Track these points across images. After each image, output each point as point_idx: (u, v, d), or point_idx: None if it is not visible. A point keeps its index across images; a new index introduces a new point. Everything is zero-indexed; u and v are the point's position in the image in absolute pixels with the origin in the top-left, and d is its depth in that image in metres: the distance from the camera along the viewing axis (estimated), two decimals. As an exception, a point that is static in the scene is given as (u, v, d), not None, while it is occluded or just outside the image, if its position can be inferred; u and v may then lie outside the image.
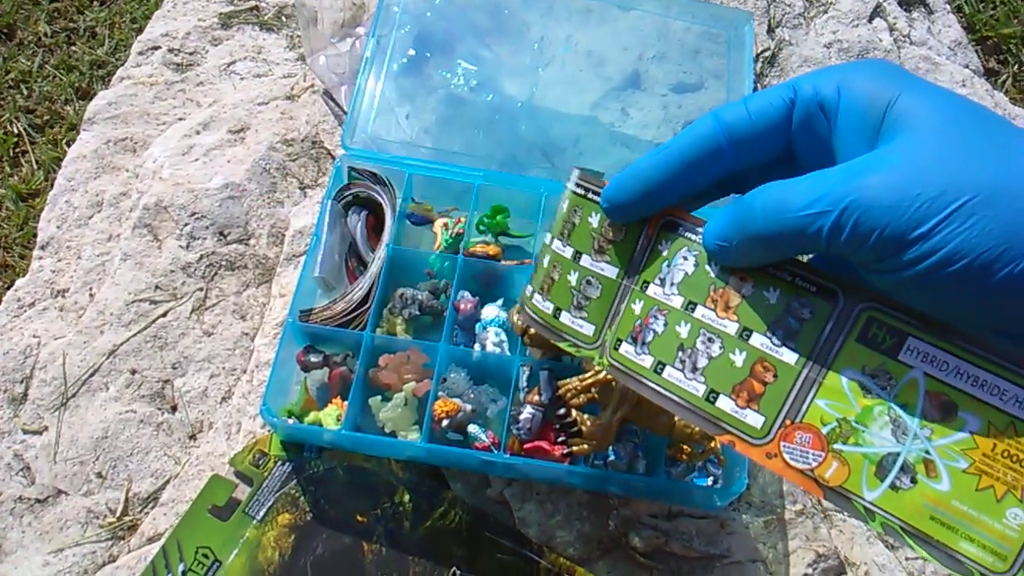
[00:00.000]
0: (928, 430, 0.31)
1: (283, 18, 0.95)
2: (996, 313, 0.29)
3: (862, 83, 0.32)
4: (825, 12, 1.01)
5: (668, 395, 0.35)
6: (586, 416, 0.56)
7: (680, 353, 0.35)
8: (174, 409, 0.67)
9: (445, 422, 0.59)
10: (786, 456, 0.33)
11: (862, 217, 0.28)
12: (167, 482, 0.64)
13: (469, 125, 0.77)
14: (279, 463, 0.61)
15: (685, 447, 0.61)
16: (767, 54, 0.96)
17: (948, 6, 1.07)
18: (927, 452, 0.30)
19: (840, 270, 0.34)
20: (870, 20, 1.00)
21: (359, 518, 0.59)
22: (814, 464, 0.32)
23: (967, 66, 0.99)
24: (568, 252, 0.39)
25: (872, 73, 0.32)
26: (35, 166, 1.21)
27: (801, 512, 0.64)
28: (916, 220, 0.28)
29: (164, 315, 0.71)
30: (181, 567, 0.57)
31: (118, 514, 0.62)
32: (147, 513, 0.63)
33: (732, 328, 0.34)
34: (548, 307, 0.39)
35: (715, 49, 0.83)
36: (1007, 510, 0.29)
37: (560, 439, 0.57)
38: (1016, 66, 1.40)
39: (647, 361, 0.36)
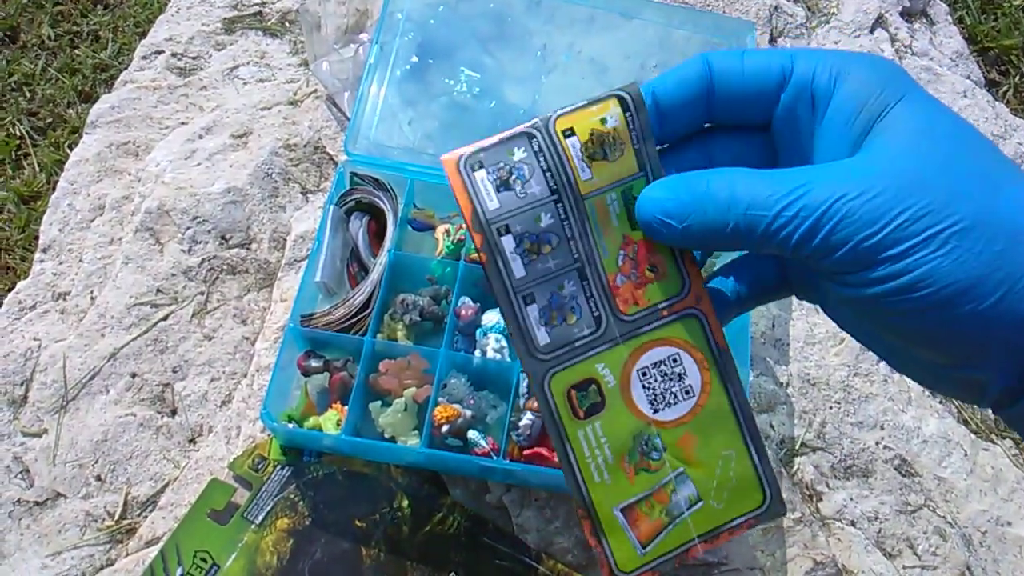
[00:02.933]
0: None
1: (286, 24, 0.96)
2: (945, 344, 0.29)
3: (861, 81, 0.30)
4: (827, 22, 1.01)
5: None
6: (586, 423, 0.56)
7: None
8: (174, 413, 0.67)
9: (445, 428, 0.59)
10: None
11: (838, 227, 0.28)
12: (166, 486, 0.64)
13: (471, 132, 0.77)
14: (278, 467, 0.61)
15: (684, 455, 0.61)
16: (768, 63, 0.97)
17: (950, 17, 1.07)
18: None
19: (793, 270, 0.34)
20: (872, 31, 1.01)
21: (358, 523, 0.59)
22: None
23: (969, 77, 1.00)
24: None
25: (873, 72, 0.30)
26: (37, 169, 1.22)
27: (799, 520, 0.64)
28: (892, 240, 0.27)
29: (165, 319, 0.71)
30: (179, 571, 0.57)
31: (116, 517, 0.62)
32: (146, 516, 0.63)
33: None
34: None
35: (717, 58, 0.83)
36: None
37: (560, 446, 0.57)
38: (1017, 77, 1.40)
39: None
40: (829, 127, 0.31)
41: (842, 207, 0.28)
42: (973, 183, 0.27)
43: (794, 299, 0.76)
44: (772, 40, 0.98)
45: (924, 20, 1.06)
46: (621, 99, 0.33)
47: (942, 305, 0.27)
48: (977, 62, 1.05)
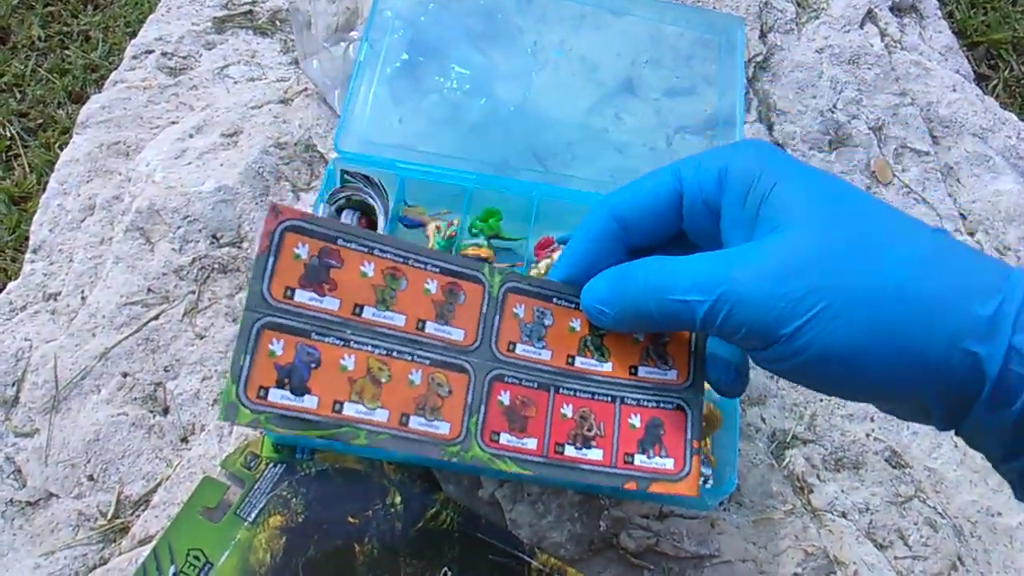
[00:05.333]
0: None
1: (277, 23, 0.96)
2: (865, 396, 0.31)
3: (742, 174, 0.32)
4: (817, 18, 1.01)
5: None
6: (577, 417, 0.56)
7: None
8: (166, 412, 0.67)
9: (437, 424, 0.59)
10: None
11: (733, 310, 0.30)
12: (159, 484, 0.64)
13: (462, 129, 0.77)
14: (271, 465, 0.61)
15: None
16: (759, 59, 0.97)
17: (939, 12, 1.08)
18: None
19: None
20: (861, 26, 1.01)
21: (351, 520, 0.59)
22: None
23: (958, 71, 1.00)
24: None
25: (751, 161, 0.32)
26: (27, 169, 1.21)
27: (791, 512, 0.64)
28: (782, 320, 0.29)
29: (156, 318, 0.71)
30: (172, 569, 0.57)
31: (109, 517, 0.62)
32: (139, 515, 0.62)
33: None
34: None
35: (707, 54, 0.84)
36: None
37: (551, 440, 0.57)
38: (1007, 71, 1.41)
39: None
40: (727, 223, 0.33)
41: (734, 290, 0.30)
42: (855, 252, 0.29)
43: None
44: (763, 35, 0.99)
45: (914, 14, 1.07)
46: None
47: (839, 371, 0.29)
48: (967, 56, 1.05)
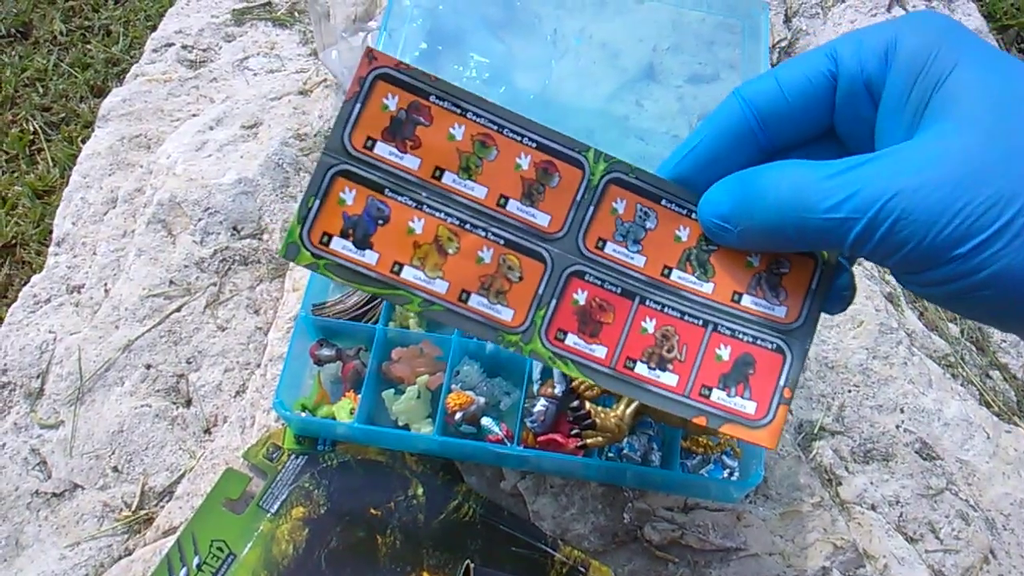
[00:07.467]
0: None
1: (296, 14, 0.95)
2: None
3: (912, 53, 0.26)
4: (843, 1, 0.99)
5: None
6: (600, 408, 0.56)
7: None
8: (189, 403, 0.67)
9: (458, 415, 0.59)
10: None
11: (896, 227, 0.24)
12: (182, 476, 0.64)
13: (481, 118, 0.76)
14: (293, 456, 0.61)
15: (700, 439, 0.60)
16: (784, 44, 0.95)
17: (967, -6, 1.05)
18: None
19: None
20: (889, 9, 0.99)
21: (373, 511, 0.59)
22: None
23: (987, 54, 0.98)
24: None
25: (925, 37, 0.26)
26: (51, 163, 1.22)
27: (818, 504, 0.63)
28: (958, 237, 0.23)
29: (178, 310, 0.71)
30: (196, 560, 0.57)
31: (134, 508, 0.62)
32: (162, 507, 0.63)
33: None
34: None
35: (730, 39, 0.82)
36: None
37: (574, 432, 0.57)
38: (1037, 55, 1.38)
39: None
40: (885, 112, 0.27)
41: (898, 204, 0.24)
42: None
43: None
44: (787, 20, 0.97)
45: (942, -3, 1.04)
46: None
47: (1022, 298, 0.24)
48: (997, 40, 1.03)
